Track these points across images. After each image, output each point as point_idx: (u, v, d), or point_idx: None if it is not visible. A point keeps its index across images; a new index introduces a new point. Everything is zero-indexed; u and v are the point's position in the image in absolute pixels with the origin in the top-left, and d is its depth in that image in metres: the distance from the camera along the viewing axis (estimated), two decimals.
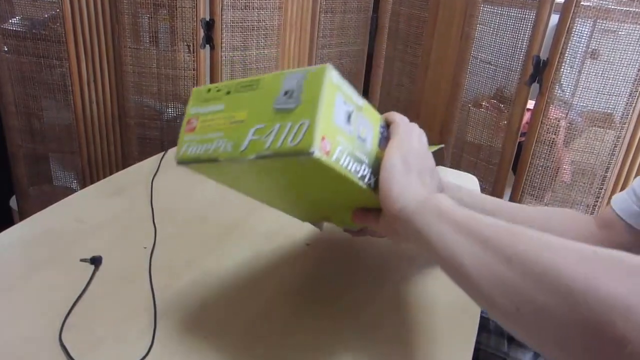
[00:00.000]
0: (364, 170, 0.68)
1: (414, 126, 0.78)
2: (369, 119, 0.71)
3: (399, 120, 0.76)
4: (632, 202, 0.92)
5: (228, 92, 0.69)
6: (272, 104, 0.63)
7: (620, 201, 0.94)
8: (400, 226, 0.68)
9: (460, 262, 0.61)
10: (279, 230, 1.02)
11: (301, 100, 0.61)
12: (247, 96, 0.67)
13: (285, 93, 0.63)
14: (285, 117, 0.61)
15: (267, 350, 0.76)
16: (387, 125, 0.76)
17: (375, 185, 0.70)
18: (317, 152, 0.58)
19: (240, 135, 0.64)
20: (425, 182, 0.72)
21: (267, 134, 0.61)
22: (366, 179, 0.68)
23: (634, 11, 1.44)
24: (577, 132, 1.60)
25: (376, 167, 0.70)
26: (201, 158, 0.68)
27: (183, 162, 0.70)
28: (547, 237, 0.57)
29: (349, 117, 0.65)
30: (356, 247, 1.00)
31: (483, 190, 1.69)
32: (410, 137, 0.75)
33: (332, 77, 0.62)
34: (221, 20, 1.56)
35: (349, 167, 0.64)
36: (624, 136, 1.55)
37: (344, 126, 0.64)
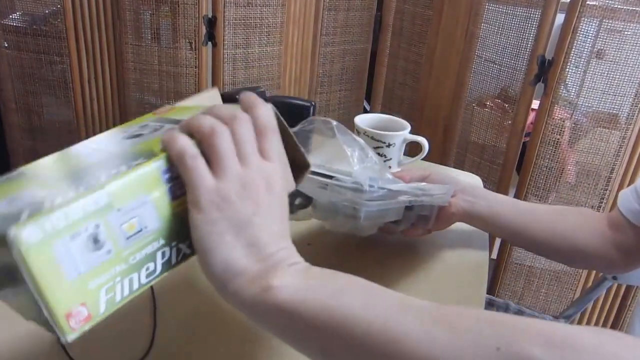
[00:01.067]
0: (162, 256, 0.53)
1: (213, 140, 0.53)
2: (137, 193, 0.50)
3: (177, 156, 0.52)
4: (634, 200, 0.92)
5: None
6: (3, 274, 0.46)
7: (624, 199, 0.94)
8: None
9: None
10: None
11: (24, 279, 0.44)
12: None
13: (4, 267, 0.45)
14: (23, 293, 0.45)
15: (268, 350, 0.76)
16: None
17: (192, 250, 0.55)
18: (73, 335, 0.47)
19: None
20: (254, 242, 0.52)
21: (21, 298, 0.47)
22: (174, 260, 0.55)
23: None
24: (581, 133, 1.59)
25: (177, 228, 0.54)
26: None
27: None
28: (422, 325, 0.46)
29: (95, 240, 0.47)
30: (357, 248, 0.99)
31: None
32: (215, 172, 0.53)
33: (30, 241, 0.43)
34: (223, 17, 1.55)
35: (133, 289, 0.51)
36: (630, 137, 1.54)
37: (91, 263, 0.47)
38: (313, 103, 1.36)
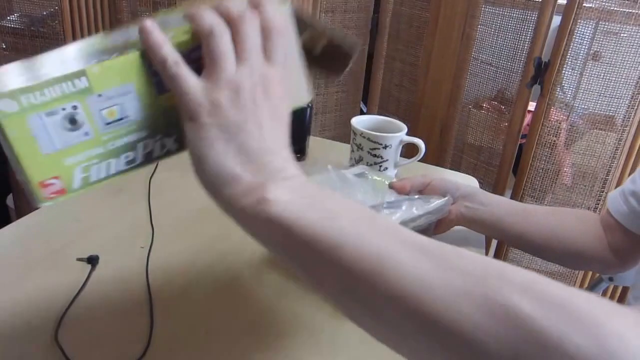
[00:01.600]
0: (144, 147, 0.54)
1: (209, 41, 0.50)
2: (119, 80, 0.50)
3: (159, 63, 0.50)
4: (622, 202, 0.93)
5: None
6: None
7: (612, 200, 0.95)
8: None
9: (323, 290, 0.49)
10: None
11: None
12: None
13: None
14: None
15: (265, 351, 0.76)
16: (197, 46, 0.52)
17: (180, 144, 0.56)
18: (46, 203, 0.50)
19: None
20: (246, 150, 0.50)
21: None
22: (156, 154, 0.55)
23: (636, 13, 1.43)
24: (578, 135, 1.59)
25: (164, 123, 0.54)
26: None
27: None
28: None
29: (71, 120, 0.49)
30: None
31: None
32: (207, 75, 0.50)
33: (6, 111, 0.46)
34: None
35: (110, 173, 0.54)
36: (626, 139, 1.55)
37: (68, 141, 0.50)
38: (310, 105, 1.36)
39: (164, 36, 0.50)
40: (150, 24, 0.50)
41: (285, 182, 0.49)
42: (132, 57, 0.50)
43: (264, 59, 0.52)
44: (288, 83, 0.54)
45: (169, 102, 0.53)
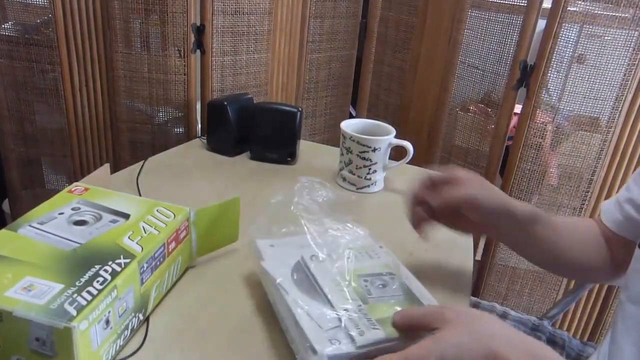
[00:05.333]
0: (131, 324, 0.74)
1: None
2: (128, 285, 0.72)
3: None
4: (616, 210, 0.93)
5: None
6: (26, 343, 0.62)
7: (606, 211, 0.96)
8: None
9: None
10: None
11: (56, 351, 0.62)
12: None
13: (37, 339, 0.62)
14: (45, 358, 0.63)
15: (262, 349, 0.77)
16: None
17: (143, 317, 0.78)
18: None
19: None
20: None
21: None
22: (135, 326, 0.76)
23: (620, 16, 1.45)
24: (563, 136, 1.61)
25: (139, 303, 0.75)
26: None
27: None
28: None
29: (107, 321, 0.68)
30: None
31: None
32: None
33: (81, 329, 0.62)
34: (212, 25, 1.57)
35: (117, 348, 0.72)
36: (610, 140, 1.57)
37: (103, 337, 0.67)
38: (300, 109, 1.39)
39: None
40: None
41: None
42: (134, 266, 0.73)
43: None
44: None
45: (144, 290, 0.76)
